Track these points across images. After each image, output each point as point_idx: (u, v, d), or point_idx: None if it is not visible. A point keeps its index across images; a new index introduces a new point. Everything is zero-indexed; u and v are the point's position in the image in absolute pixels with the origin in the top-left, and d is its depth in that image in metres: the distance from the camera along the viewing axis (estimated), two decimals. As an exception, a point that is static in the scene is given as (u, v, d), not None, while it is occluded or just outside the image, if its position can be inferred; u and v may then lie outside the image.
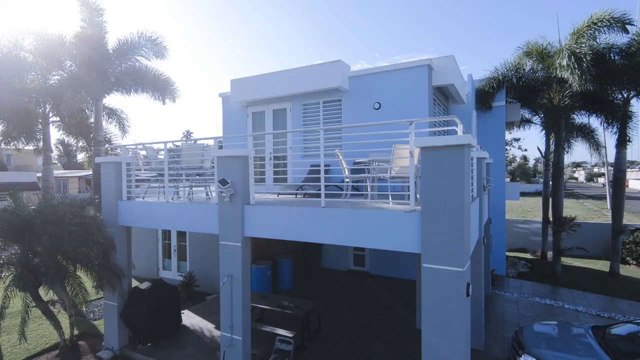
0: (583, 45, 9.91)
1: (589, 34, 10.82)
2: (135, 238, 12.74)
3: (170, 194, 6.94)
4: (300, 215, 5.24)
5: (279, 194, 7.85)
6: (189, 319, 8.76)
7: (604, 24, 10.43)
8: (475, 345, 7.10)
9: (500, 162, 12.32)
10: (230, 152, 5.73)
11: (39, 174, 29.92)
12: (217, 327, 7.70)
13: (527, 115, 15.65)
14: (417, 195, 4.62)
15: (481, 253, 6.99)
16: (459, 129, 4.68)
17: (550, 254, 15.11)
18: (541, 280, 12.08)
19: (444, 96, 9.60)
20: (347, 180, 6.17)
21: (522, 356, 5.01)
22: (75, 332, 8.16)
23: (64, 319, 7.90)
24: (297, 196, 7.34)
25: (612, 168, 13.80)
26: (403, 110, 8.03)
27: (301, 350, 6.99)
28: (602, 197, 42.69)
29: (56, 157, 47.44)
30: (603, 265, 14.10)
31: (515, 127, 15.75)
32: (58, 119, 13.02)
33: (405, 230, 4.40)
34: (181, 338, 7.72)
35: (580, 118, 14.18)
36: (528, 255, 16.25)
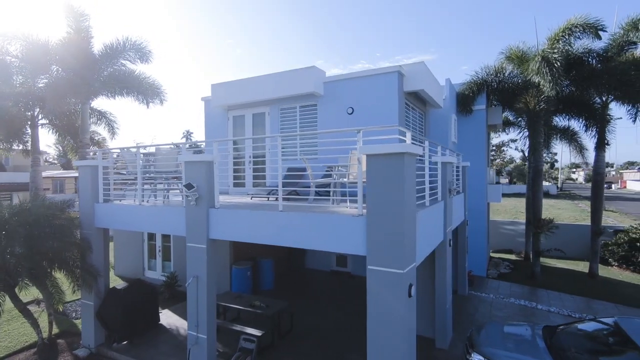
0: (555, 50, 10.08)
1: (564, 39, 11.00)
2: (122, 239, 13.02)
3: (144, 197, 7.16)
4: (260, 219, 5.45)
5: (252, 196, 8.07)
6: (168, 318, 8.98)
7: (578, 29, 10.61)
8: (441, 344, 7.32)
9: (481, 164, 12.51)
10: (195, 157, 5.95)
11: (35, 175, 30.23)
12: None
13: (511, 118, 15.87)
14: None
15: (446, 255, 7.17)
16: (407, 137, 4.88)
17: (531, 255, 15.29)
18: (521, 281, 12.26)
19: (420, 101, 9.80)
20: (313, 184, 6.37)
21: (472, 354, 5.21)
22: (56, 330, 8.40)
23: (46, 318, 8.13)
24: (270, 199, 7.56)
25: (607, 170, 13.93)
26: (374, 115, 8.24)
27: (271, 348, 7.21)
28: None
29: (55, 157, 47.80)
30: (584, 267, 14.26)
31: (499, 130, 15.94)
32: (47, 121, 13.31)
33: (353, 233, 4.60)
34: (157, 336, 7.94)
35: (562, 121, 14.39)
36: (513, 257, 16.43)
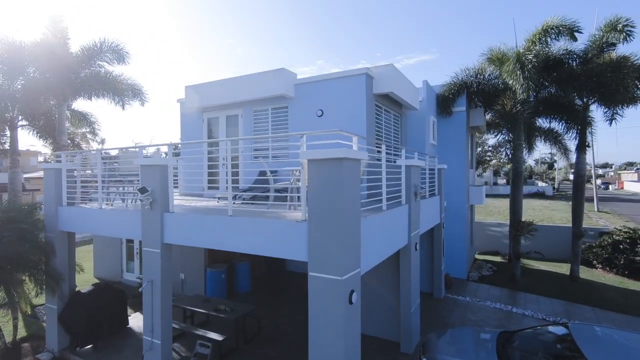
0: (528, 52, 10.01)
1: (542, 41, 10.94)
2: (102, 241, 12.98)
3: (110, 200, 7.11)
4: (211, 224, 5.40)
5: (219, 199, 8.01)
6: (139, 321, 8.90)
7: (554, 31, 10.55)
8: (406, 348, 7.25)
9: (461, 166, 12.46)
10: (150, 160, 5.90)
11: (26, 175, 30.19)
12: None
13: (497, 120, 15.80)
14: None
15: (410, 259, 7.10)
16: (354, 142, 4.82)
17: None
18: (501, 284, 12.19)
19: (394, 103, 9.73)
20: (272, 189, 6.31)
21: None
22: (24, 334, 8.38)
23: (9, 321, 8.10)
24: (235, 202, 7.49)
25: (603, 169, 13.90)
26: (343, 117, 8.18)
27: (235, 353, 7.16)
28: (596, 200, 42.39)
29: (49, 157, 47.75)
30: (567, 269, 14.17)
31: (483, 132, 15.87)
32: (27, 123, 13.27)
33: (296, 239, 4.55)
34: (123, 340, 7.88)
35: (546, 123, 14.32)
36: (499, 259, 16.36)
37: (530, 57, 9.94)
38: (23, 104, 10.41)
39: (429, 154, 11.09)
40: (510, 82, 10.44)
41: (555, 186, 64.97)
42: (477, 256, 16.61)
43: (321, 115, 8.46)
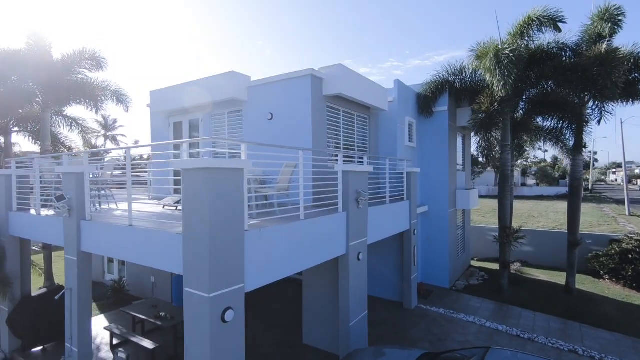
0: (506, 47, 9.22)
1: (525, 34, 10.12)
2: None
3: (41, 205, 7.20)
4: (115, 232, 5.30)
5: (164, 206, 7.95)
6: (100, 324, 9.02)
7: (537, 22, 9.70)
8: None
9: (443, 169, 11.80)
10: (67, 168, 5.90)
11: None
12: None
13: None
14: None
15: (348, 270, 6.70)
16: (243, 149, 4.56)
17: (514, 265, 14.31)
18: (487, 294, 11.41)
19: (357, 105, 9.31)
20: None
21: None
22: (-12, 333, 8.68)
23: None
24: (178, 209, 7.40)
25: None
26: (291, 120, 7.91)
27: (170, 361, 7.08)
28: (633, 202, 39.22)
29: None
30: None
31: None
32: (19, 129, 13.94)
33: (174, 252, 4.35)
34: (74, 344, 7.99)
35: (544, 122, 13.31)
36: (497, 266, 15.41)
37: (507, 51, 9.19)
38: (6, 110, 10.89)
39: (404, 156, 10.59)
40: (488, 78, 9.74)
41: (589, 187, 61.02)
42: (473, 263, 15.75)
43: (271, 119, 8.22)
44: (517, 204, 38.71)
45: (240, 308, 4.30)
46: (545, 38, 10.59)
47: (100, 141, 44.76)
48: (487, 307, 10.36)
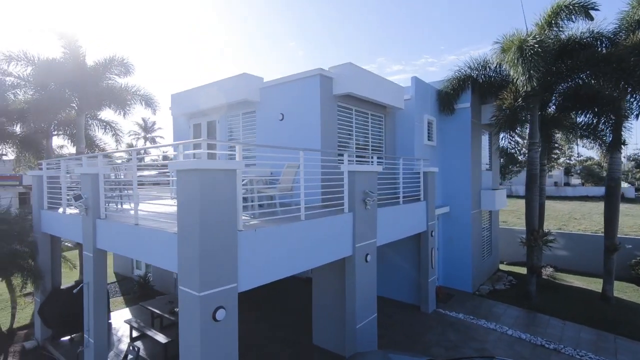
0: (530, 38, 8.64)
1: (554, 24, 9.47)
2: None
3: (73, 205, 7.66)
4: (124, 231, 5.55)
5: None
6: (123, 317, 9.51)
7: (566, 11, 9.04)
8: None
9: (465, 169, 11.33)
10: (83, 169, 6.24)
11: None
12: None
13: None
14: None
15: (355, 272, 6.59)
16: (238, 151, 4.61)
17: (546, 270, 13.48)
18: (513, 301, 10.81)
19: (372, 104, 9.14)
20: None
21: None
22: (27, 322, 9.40)
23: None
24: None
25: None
26: (301, 120, 7.91)
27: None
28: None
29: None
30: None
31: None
32: (61, 132, 15.00)
33: (172, 250, 4.47)
34: (98, 335, 8.47)
35: (580, 117, 12.42)
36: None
37: (531, 43, 8.65)
38: (46, 115, 11.77)
39: (423, 156, 10.29)
40: (512, 73, 9.22)
41: (640, 187, 56.20)
42: (502, 267, 15.01)
43: (282, 119, 8.26)
44: (558, 205, 36.63)
45: (233, 307, 4.35)
46: (577, 28, 9.87)
47: (140, 142, 47.15)
48: (511, 314, 9.83)
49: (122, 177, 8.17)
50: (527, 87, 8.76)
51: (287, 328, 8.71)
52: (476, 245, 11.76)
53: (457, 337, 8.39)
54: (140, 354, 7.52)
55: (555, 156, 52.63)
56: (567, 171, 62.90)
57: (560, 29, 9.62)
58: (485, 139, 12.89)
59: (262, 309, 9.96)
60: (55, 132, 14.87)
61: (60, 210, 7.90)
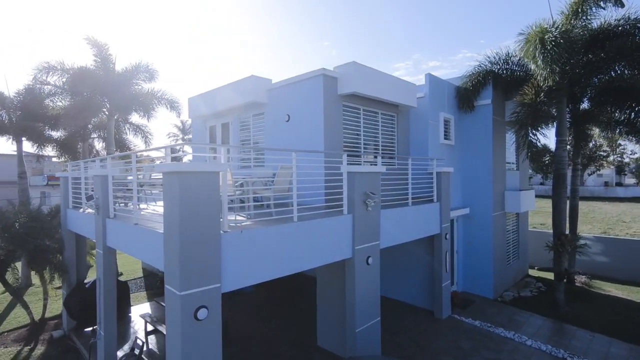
0: (553, 29, 8.03)
1: (582, 12, 8.76)
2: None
3: (85, 205, 8.15)
4: (127, 230, 5.81)
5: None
6: (143, 311, 9.98)
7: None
8: (351, 372, 6.65)
9: (486, 168, 10.79)
10: (95, 171, 6.61)
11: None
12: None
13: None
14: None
15: (354, 274, 6.48)
16: (222, 154, 4.67)
17: (580, 277, 12.55)
18: (538, 309, 10.15)
19: (382, 102, 8.95)
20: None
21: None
22: (57, 312, 10.12)
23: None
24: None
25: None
26: (306, 121, 7.91)
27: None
28: None
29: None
30: (649, 297, 11.15)
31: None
32: (95, 135, 16.05)
33: (159, 248, 4.62)
34: (118, 329, 8.93)
35: (618, 112, 11.42)
36: (560, 277, 13.65)
37: (553, 33, 8.06)
38: (81, 120, 12.69)
39: (439, 155, 9.94)
40: (532, 66, 8.67)
41: None
42: (532, 272, 14.14)
43: (288, 120, 8.30)
44: (607, 207, 34.08)
45: (217, 307, 4.42)
46: (610, 15, 9.09)
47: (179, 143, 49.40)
48: (533, 323, 9.23)
49: (141, 177, 8.60)
50: (548, 81, 8.18)
51: (297, 328, 8.72)
52: (499, 249, 11.17)
53: (469, 345, 8.00)
54: (152, 347, 7.88)
55: (605, 154, 48.81)
56: (619, 170, 58.18)
57: (589, 17, 8.90)
58: (510, 137, 12.20)
59: (276, 307, 10.07)
60: (91, 136, 15.93)
61: (81, 210, 8.43)
